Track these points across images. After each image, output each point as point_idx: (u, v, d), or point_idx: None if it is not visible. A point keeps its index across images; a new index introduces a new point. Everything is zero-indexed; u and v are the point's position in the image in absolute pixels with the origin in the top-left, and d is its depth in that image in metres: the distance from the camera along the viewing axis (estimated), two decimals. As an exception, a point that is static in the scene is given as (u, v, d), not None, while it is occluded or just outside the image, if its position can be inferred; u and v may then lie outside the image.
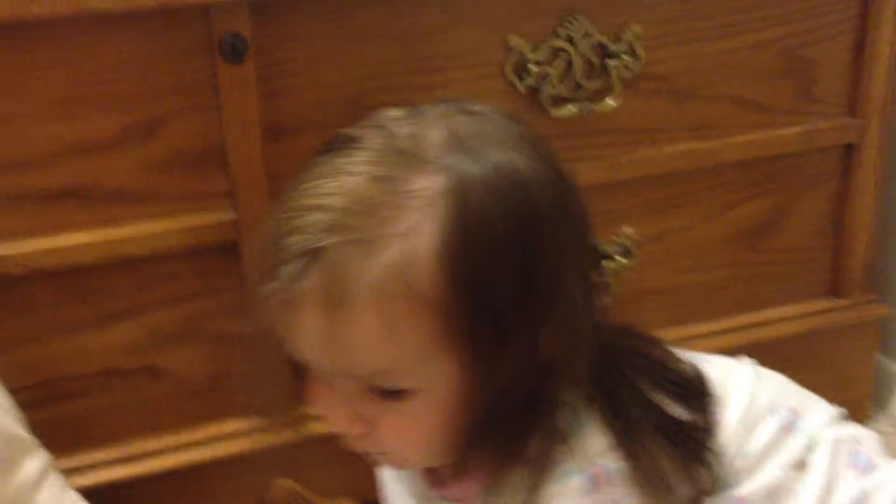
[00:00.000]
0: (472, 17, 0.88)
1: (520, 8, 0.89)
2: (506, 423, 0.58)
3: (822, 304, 1.12)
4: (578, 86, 0.93)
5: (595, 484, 0.62)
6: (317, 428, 0.91)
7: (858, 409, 1.16)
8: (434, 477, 0.67)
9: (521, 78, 0.91)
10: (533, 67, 0.90)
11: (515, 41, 0.89)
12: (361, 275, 0.53)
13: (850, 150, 1.07)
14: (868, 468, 0.70)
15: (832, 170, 1.08)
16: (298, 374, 0.60)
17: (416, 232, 0.53)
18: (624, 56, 0.93)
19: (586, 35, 0.91)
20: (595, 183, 0.95)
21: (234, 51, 0.82)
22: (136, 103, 0.82)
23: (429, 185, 0.54)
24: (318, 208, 0.54)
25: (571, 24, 0.91)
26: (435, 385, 0.57)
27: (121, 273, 0.86)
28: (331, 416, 0.59)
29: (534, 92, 0.92)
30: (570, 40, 0.91)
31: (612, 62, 0.93)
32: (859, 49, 1.03)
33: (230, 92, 0.83)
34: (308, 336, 0.55)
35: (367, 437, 0.59)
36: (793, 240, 1.09)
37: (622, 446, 0.61)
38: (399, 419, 0.58)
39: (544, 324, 0.57)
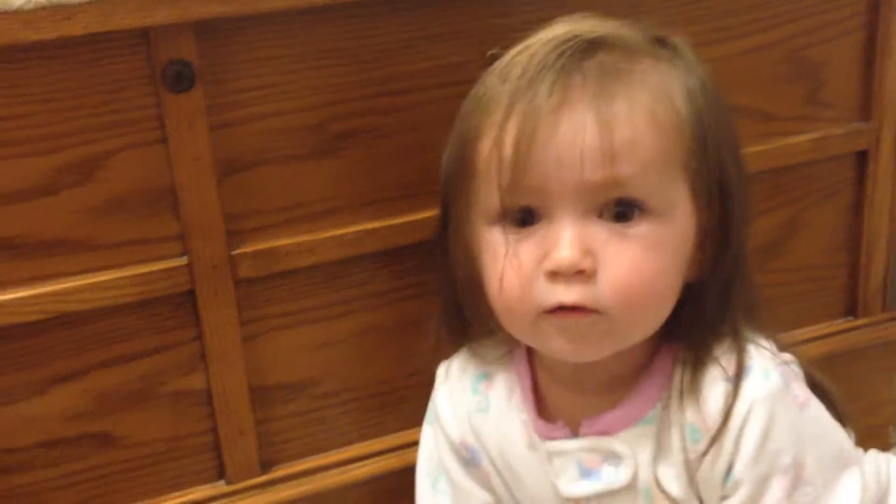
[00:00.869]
0: (441, 33, 0.80)
1: (495, 20, 0.81)
2: (702, 299, 0.64)
3: (839, 324, 1.04)
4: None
5: (786, 383, 0.65)
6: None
7: (882, 434, 1.08)
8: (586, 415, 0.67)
9: (502, 95, 0.82)
10: (516, 83, 0.82)
11: (492, 56, 0.80)
12: (635, 78, 0.60)
13: (863, 157, 0.99)
14: None
15: (845, 179, 1.00)
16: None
17: (670, 76, 0.62)
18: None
19: (573, 45, 0.83)
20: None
21: (179, 79, 0.73)
22: (69, 142, 0.73)
23: (664, 52, 0.63)
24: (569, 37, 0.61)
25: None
26: (666, 209, 0.61)
27: (61, 332, 0.77)
28: (561, 249, 0.59)
29: (517, 110, 0.83)
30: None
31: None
32: (870, 47, 0.95)
33: (177, 124, 0.74)
34: (576, 139, 0.58)
35: (591, 277, 0.59)
36: (805, 257, 1.00)
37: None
38: (629, 246, 0.60)
39: (745, 205, 0.65)
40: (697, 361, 0.65)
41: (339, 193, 0.81)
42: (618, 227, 0.60)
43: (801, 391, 0.66)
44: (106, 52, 0.72)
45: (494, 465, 0.72)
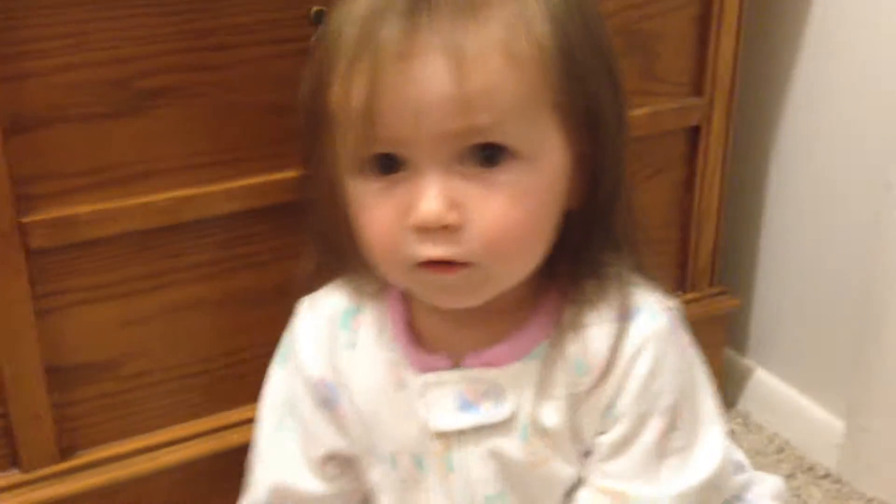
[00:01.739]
0: (267, -16, 0.74)
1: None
2: (585, 228, 0.62)
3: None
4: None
5: (673, 325, 0.65)
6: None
7: (707, 408, 1.10)
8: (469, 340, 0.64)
9: (329, 56, 0.77)
10: (345, 43, 0.77)
11: (318, 14, 0.75)
12: (490, 12, 0.55)
13: (695, 132, 1.00)
14: None
15: (677, 155, 1.00)
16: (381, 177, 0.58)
17: (528, 4, 0.57)
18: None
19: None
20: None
21: (-41, 23, 0.65)
22: None
23: None
24: None
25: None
26: (533, 150, 0.57)
27: None
28: (425, 204, 0.56)
29: (346, 72, 0.78)
30: (387, 11, 0.78)
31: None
32: (703, 22, 0.95)
33: (-43, 75, 0.67)
34: (427, 88, 0.54)
35: (458, 231, 0.56)
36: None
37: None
38: (496, 193, 0.57)
39: (621, 127, 0.61)
40: (585, 299, 0.63)
41: (149, 157, 0.75)
42: (485, 172, 0.57)
43: (686, 336, 0.66)
44: None
45: (354, 405, 0.68)
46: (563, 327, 0.64)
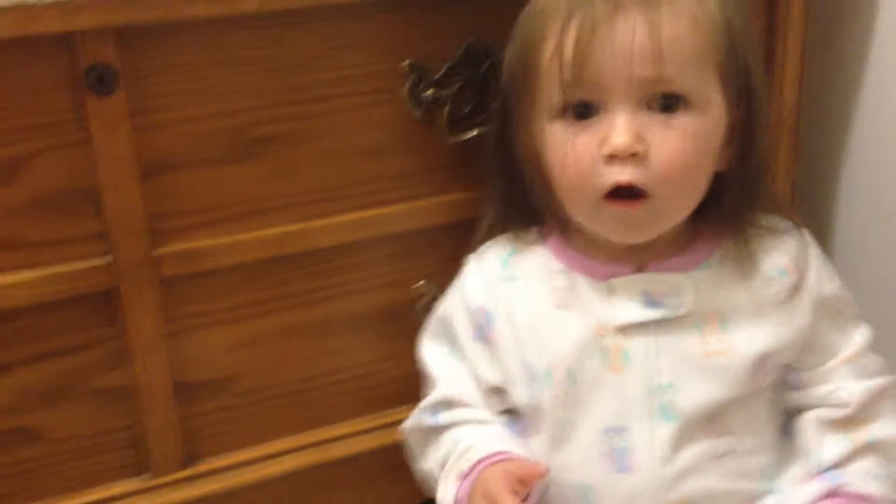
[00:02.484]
0: (361, 41, 0.83)
1: (413, 31, 0.84)
2: (743, 174, 0.75)
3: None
4: (480, 110, 0.88)
5: (804, 242, 0.79)
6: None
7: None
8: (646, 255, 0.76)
9: (418, 104, 0.86)
10: (431, 91, 0.86)
11: (410, 66, 0.85)
12: (680, 3, 0.69)
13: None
14: None
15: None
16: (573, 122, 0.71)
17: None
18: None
19: (486, 56, 0.87)
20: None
21: (101, 82, 0.76)
22: (-6, 144, 0.75)
23: None
24: None
25: (469, 46, 0.86)
26: (703, 103, 0.71)
27: (-15, 329, 0.79)
28: (617, 135, 0.69)
29: (431, 118, 0.87)
30: (469, 63, 0.86)
31: (513, 84, 0.88)
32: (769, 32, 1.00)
33: (100, 127, 0.77)
34: (629, 40, 0.68)
35: (643, 160, 0.69)
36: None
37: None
38: (673, 133, 0.70)
39: (767, 101, 0.77)
40: (753, 226, 0.77)
41: (259, 196, 0.84)
42: (663, 117, 0.70)
43: None
44: (30, 56, 0.74)
45: (513, 331, 0.78)
46: (727, 249, 0.77)
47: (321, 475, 0.91)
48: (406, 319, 0.93)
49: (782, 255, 0.77)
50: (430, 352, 0.84)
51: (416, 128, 0.87)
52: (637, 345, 0.75)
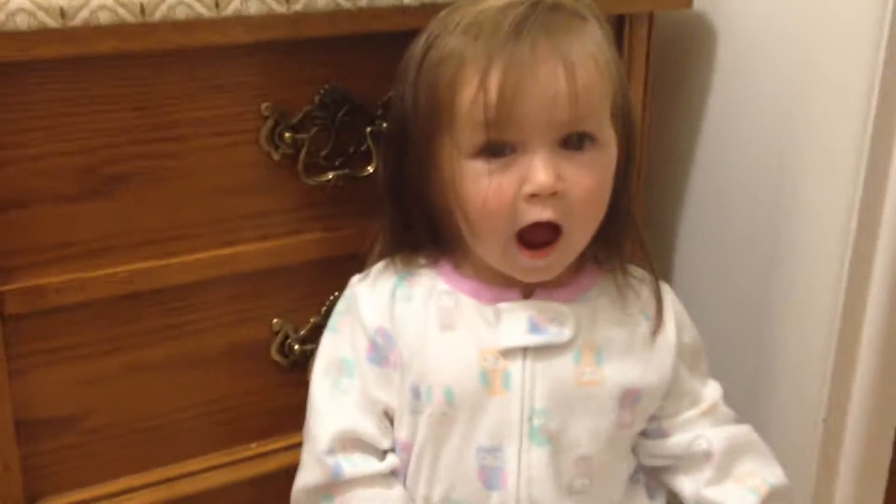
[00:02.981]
0: (221, 84, 0.84)
1: (274, 76, 0.86)
2: (620, 209, 0.80)
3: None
4: (336, 153, 0.90)
5: (664, 290, 0.85)
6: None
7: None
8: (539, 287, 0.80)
9: (276, 146, 0.87)
10: (289, 135, 0.87)
11: (269, 109, 0.86)
12: (581, 32, 0.74)
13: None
14: None
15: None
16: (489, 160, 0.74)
17: (595, 29, 0.76)
18: (383, 123, 0.91)
19: (344, 102, 0.89)
20: (358, 251, 0.92)
21: (-52, 118, 0.74)
22: None
23: (579, 6, 0.76)
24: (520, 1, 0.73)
25: (328, 91, 0.88)
26: (606, 140, 0.76)
27: None
28: (541, 175, 0.73)
29: (290, 160, 0.88)
30: (327, 108, 0.88)
31: (370, 129, 0.91)
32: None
33: (-55, 162, 0.75)
34: (549, 87, 0.72)
35: (561, 199, 0.74)
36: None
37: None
38: (584, 170, 0.74)
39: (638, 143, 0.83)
40: (623, 268, 0.83)
41: (112, 233, 0.84)
42: (575, 154, 0.74)
43: None
44: None
45: (408, 351, 0.79)
46: (602, 287, 0.82)
47: (170, 513, 0.91)
48: (259, 357, 0.94)
49: (645, 300, 0.83)
50: (320, 385, 0.83)
51: (273, 169, 0.88)
52: (517, 368, 0.78)
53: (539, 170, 0.73)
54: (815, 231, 1.00)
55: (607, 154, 0.77)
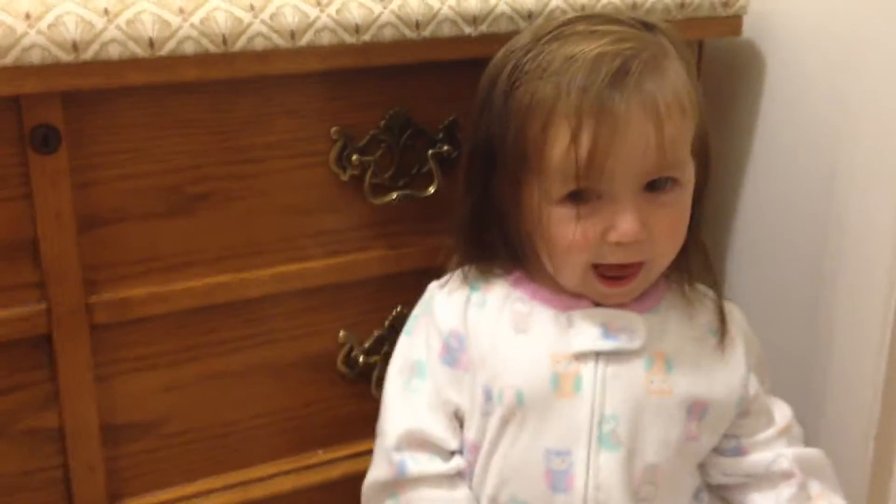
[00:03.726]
0: (294, 109, 0.89)
1: (342, 101, 0.91)
2: (691, 231, 0.82)
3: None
4: (400, 174, 0.95)
5: (730, 308, 0.87)
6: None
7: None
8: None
9: (344, 168, 0.93)
10: (356, 157, 0.92)
11: (338, 132, 0.91)
12: (666, 78, 0.75)
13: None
14: None
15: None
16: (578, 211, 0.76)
17: (678, 67, 0.77)
18: (444, 146, 0.96)
19: (407, 125, 0.94)
20: (419, 268, 0.97)
21: (46, 142, 0.80)
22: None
23: (663, 40, 0.78)
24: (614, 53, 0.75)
25: (393, 115, 0.93)
26: (688, 178, 0.79)
27: (-79, 370, 0.82)
28: (627, 225, 0.76)
29: (357, 181, 0.93)
30: (391, 131, 0.94)
31: (432, 151, 0.96)
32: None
33: (41, 182, 0.81)
34: (639, 146, 0.74)
35: (644, 242, 0.77)
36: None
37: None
38: (666, 211, 0.77)
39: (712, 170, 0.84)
40: (690, 283, 0.86)
41: (192, 249, 0.89)
42: (660, 196, 0.77)
43: None
44: (-22, 115, 0.78)
45: (480, 353, 0.82)
46: (671, 301, 0.85)
47: (244, 514, 0.96)
48: (325, 368, 0.98)
49: (712, 316, 0.85)
50: (393, 385, 0.86)
51: (341, 190, 0.93)
52: (588, 372, 0.80)
53: (625, 220, 0.76)
54: (863, 250, 1.02)
55: (687, 190, 0.80)
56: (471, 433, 0.83)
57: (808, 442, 0.99)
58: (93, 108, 0.82)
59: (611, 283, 0.80)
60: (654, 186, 0.77)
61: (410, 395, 0.85)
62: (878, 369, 1.02)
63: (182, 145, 0.86)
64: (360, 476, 0.88)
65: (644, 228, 0.76)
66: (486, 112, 0.81)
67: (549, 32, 0.78)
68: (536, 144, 0.77)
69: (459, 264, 0.88)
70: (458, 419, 0.85)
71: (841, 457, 1.06)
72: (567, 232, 0.77)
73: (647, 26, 0.79)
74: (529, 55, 0.78)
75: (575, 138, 0.74)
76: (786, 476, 0.85)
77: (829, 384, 1.08)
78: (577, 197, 0.76)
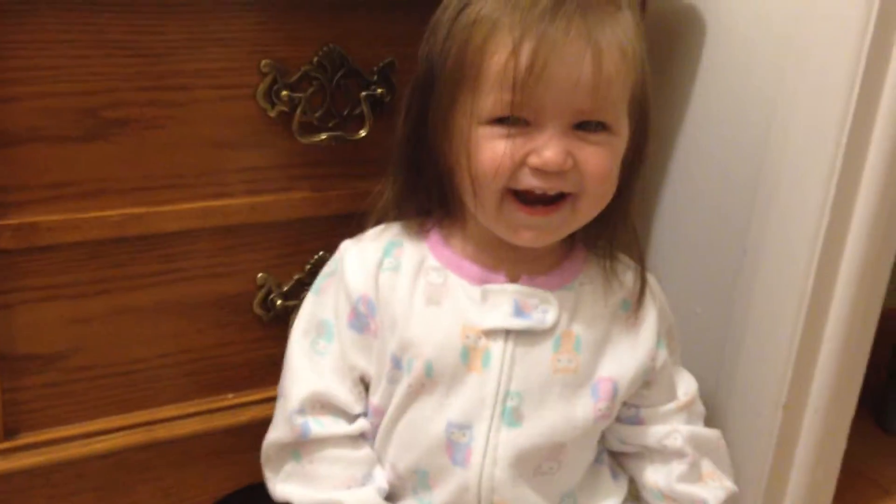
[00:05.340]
0: (224, 38, 0.86)
1: (274, 33, 0.88)
2: (621, 199, 0.81)
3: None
4: (330, 114, 0.92)
5: (649, 281, 0.87)
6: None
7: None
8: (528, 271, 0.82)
9: (272, 103, 0.89)
10: (286, 93, 0.89)
11: (268, 66, 0.88)
12: (615, 20, 0.75)
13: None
14: None
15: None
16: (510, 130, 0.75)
17: (628, 18, 0.76)
18: (378, 88, 0.93)
19: (341, 64, 0.91)
20: (344, 212, 0.94)
21: (-46, 50, 0.76)
22: None
23: None
24: None
25: (327, 52, 0.90)
26: (620, 131, 0.77)
27: None
28: (551, 153, 0.74)
29: (285, 117, 0.90)
30: (324, 69, 0.90)
31: (365, 93, 0.93)
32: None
33: (-52, 94, 0.77)
34: (575, 72, 0.73)
35: (569, 173, 0.75)
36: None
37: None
38: (595, 149, 0.76)
39: (652, 131, 0.81)
40: (612, 255, 0.85)
41: (108, 177, 0.85)
42: (589, 135, 0.76)
43: None
44: None
45: (390, 320, 0.81)
46: (587, 276, 0.84)
47: (145, 455, 0.93)
48: (241, 310, 0.95)
49: (629, 288, 0.85)
50: (299, 346, 0.85)
51: (268, 126, 0.90)
52: (497, 349, 0.80)
53: (549, 146, 0.74)
54: (787, 225, 1.03)
55: (619, 141, 0.78)
56: (375, 398, 0.83)
57: (718, 408, 1.00)
58: (13, 20, 0.77)
59: (531, 210, 0.77)
60: (585, 127, 0.76)
61: (316, 358, 0.84)
62: (793, 339, 1.04)
63: (104, 66, 0.82)
64: (269, 421, 0.86)
65: (569, 160, 0.75)
66: (432, 37, 0.79)
67: None
68: (475, 57, 0.75)
69: (379, 218, 0.86)
70: (364, 383, 0.84)
71: (750, 424, 1.08)
72: (493, 150, 0.75)
73: None
74: None
75: (515, 50, 0.73)
76: (678, 454, 0.86)
77: (742, 352, 1.10)
78: (507, 121, 0.75)
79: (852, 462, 1.15)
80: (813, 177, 1.00)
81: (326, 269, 0.87)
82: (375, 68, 0.93)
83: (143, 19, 0.82)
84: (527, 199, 0.77)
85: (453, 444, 0.80)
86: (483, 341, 0.80)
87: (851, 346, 1.04)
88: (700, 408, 0.90)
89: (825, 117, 0.97)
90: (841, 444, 1.11)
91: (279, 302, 0.96)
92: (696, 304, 1.14)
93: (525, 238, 0.78)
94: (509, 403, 0.80)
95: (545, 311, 0.81)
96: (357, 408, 0.84)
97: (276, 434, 0.84)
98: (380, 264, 0.83)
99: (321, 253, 0.97)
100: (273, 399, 0.90)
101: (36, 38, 0.79)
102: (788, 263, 1.03)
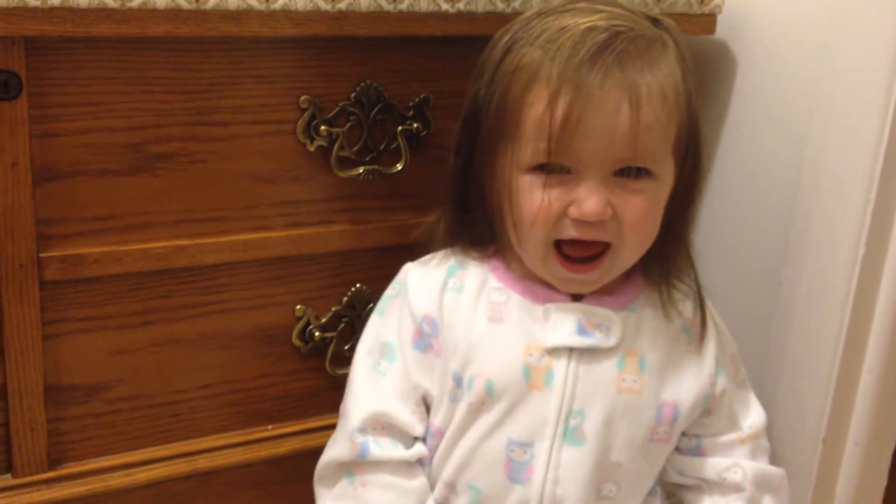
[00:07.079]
0: (263, 74, 0.88)
1: (312, 70, 0.90)
2: (675, 232, 0.83)
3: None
4: (367, 149, 0.94)
5: (707, 307, 0.87)
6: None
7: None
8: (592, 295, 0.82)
9: (311, 138, 0.91)
10: (324, 128, 0.91)
11: (307, 101, 0.90)
12: (654, 66, 0.75)
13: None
14: None
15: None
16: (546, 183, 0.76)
17: (672, 60, 0.77)
18: (414, 123, 0.95)
19: (378, 100, 0.93)
20: (383, 245, 0.96)
21: (6, 88, 0.78)
22: None
23: (664, 34, 0.78)
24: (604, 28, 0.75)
25: (364, 88, 0.92)
26: (663, 175, 0.78)
27: None
28: (591, 204, 0.75)
29: (323, 152, 0.92)
30: (361, 104, 0.92)
31: (401, 128, 0.94)
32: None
33: (-1, 130, 0.79)
34: (612, 122, 0.73)
35: (608, 222, 0.76)
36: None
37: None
38: (635, 197, 0.76)
39: (703, 169, 0.83)
40: (668, 283, 0.85)
41: (151, 209, 0.87)
42: (629, 182, 0.77)
43: None
44: (-63, 55, 0.76)
45: (453, 339, 0.81)
46: (648, 298, 0.84)
47: (187, 485, 0.94)
48: (280, 341, 0.97)
49: (687, 317, 0.85)
50: (362, 366, 0.85)
51: (306, 160, 0.92)
52: (560, 367, 0.80)
53: (589, 196, 0.75)
54: (823, 258, 1.02)
55: (661, 185, 0.79)
56: (437, 419, 0.83)
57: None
58: (57, 57, 0.80)
59: (573, 268, 0.79)
60: (625, 174, 0.76)
61: (379, 378, 0.84)
62: (832, 372, 1.03)
63: (146, 102, 0.84)
64: (308, 452, 0.87)
65: (608, 209, 0.76)
66: (479, 79, 0.80)
67: (554, 8, 0.79)
68: (515, 107, 0.76)
69: (437, 246, 0.87)
70: (426, 404, 0.84)
71: (788, 458, 1.07)
72: (532, 200, 0.76)
73: (654, 20, 0.79)
74: (527, 26, 0.78)
75: (551, 103, 0.74)
76: (737, 488, 0.85)
77: (780, 386, 1.09)
78: (546, 169, 0.76)
79: (894, 496, 1.13)
80: (848, 208, 1.00)
81: (389, 292, 0.88)
82: (411, 104, 0.95)
83: (184, 56, 0.84)
84: (569, 257, 0.78)
85: (513, 462, 0.80)
86: (546, 359, 0.80)
87: (891, 378, 1.03)
88: (765, 443, 0.89)
89: (857, 149, 0.97)
90: (882, 478, 1.10)
91: (317, 334, 0.97)
92: (732, 336, 1.14)
93: (570, 288, 0.81)
94: (572, 422, 0.79)
95: (608, 329, 0.81)
96: (418, 429, 0.84)
97: (334, 452, 0.84)
98: (444, 285, 0.84)
99: (358, 285, 0.98)
100: (311, 430, 0.91)
101: (78, 76, 0.81)
102: (825, 296, 1.03)
